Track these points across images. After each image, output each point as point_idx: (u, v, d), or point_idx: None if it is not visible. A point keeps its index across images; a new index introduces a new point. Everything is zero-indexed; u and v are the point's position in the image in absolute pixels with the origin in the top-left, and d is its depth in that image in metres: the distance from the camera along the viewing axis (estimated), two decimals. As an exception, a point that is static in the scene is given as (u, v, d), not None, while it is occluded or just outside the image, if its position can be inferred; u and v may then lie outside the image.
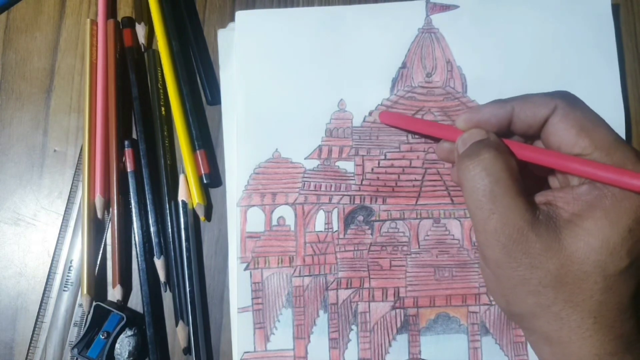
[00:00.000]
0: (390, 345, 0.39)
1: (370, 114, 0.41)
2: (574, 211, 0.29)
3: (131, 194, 0.41)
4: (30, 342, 0.40)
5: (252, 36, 0.42)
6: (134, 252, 0.41)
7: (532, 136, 0.33)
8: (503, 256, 0.29)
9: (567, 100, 0.31)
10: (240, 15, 0.42)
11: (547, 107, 0.31)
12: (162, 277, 0.40)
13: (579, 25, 0.42)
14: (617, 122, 0.40)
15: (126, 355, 0.38)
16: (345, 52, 0.42)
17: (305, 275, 0.39)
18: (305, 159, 0.41)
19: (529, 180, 0.32)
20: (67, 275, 0.40)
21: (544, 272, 0.29)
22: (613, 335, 0.28)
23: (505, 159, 0.30)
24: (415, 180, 0.40)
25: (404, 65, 0.42)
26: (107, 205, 0.41)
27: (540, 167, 0.32)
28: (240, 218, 0.40)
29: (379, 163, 0.41)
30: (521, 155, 0.32)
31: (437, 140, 0.39)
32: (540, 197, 0.31)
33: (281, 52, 0.42)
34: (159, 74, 0.43)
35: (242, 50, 0.42)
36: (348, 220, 0.40)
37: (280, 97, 0.41)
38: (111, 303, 0.39)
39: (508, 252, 0.29)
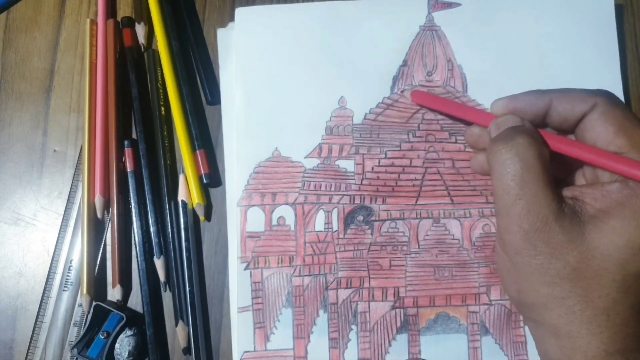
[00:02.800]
0: (390, 345, 0.39)
1: (402, 92, 0.41)
2: (601, 208, 0.29)
3: (131, 194, 0.41)
4: (30, 342, 0.40)
5: (252, 33, 0.42)
6: (134, 252, 0.41)
7: (566, 131, 0.33)
8: (523, 243, 0.30)
9: (608, 98, 0.31)
10: (240, 11, 0.42)
11: (586, 103, 0.31)
12: (162, 277, 0.40)
13: (581, 25, 0.41)
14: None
15: (126, 355, 0.38)
16: (346, 49, 0.42)
17: (305, 275, 0.39)
18: (305, 157, 0.41)
19: (556, 175, 0.32)
20: (67, 275, 0.40)
21: (563, 264, 0.29)
22: (624, 334, 0.28)
23: (539, 147, 0.30)
24: (415, 179, 0.40)
25: (405, 63, 0.42)
26: (107, 205, 0.41)
27: (570, 162, 0.32)
28: (240, 218, 0.40)
29: (379, 162, 0.40)
30: (555, 147, 0.32)
31: (468, 123, 0.39)
32: (567, 192, 0.31)
33: (281, 49, 0.42)
34: (159, 74, 0.43)
35: (242, 47, 0.42)
36: (348, 220, 0.40)
37: (280, 94, 0.41)
38: (111, 303, 0.39)
39: (529, 239, 0.29)
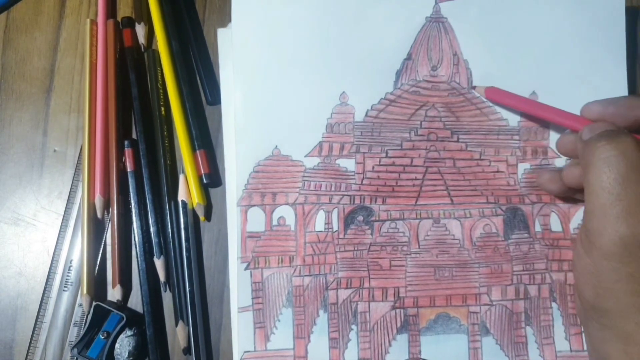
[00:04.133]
0: (390, 345, 0.38)
1: (473, 87, 0.40)
2: None
3: (131, 194, 0.41)
4: (30, 342, 0.40)
5: (250, 24, 0.41)
6: (134, 252, 0.41)
7: None
8: (617, 248, 0.28)
9: None
10: (237, 2, 0.40)
11: None
12: (162, 277, 0.40)
13: (590, 23, 0.41)
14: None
15: (126, 355, 0.38)
16: (348, 41, 0.41)
17: (306, 275, 0.39)
18: (305, 156, 0.40)
19: None
20: (67, 275, 0.40)
21: None
22: None
23: None
24: (416, 179, 0.40)
25: (409, 57, 0.41)
26: (107, 205, 0.41)
27: None
28: (240, 218, 0.40)
29: (379, 161, 0.40)
30: None
31: (545, 124, 0.39)
32: None
33: (280, 41, 0.41)
34: (159, 74, 0.43)
35: (240, 40, 0.41)
36: (348, 220, 0.40)
37: (279, 89, 0.40)
38: (111, 303, 0.39)
39: (625, 244, 0.28)
